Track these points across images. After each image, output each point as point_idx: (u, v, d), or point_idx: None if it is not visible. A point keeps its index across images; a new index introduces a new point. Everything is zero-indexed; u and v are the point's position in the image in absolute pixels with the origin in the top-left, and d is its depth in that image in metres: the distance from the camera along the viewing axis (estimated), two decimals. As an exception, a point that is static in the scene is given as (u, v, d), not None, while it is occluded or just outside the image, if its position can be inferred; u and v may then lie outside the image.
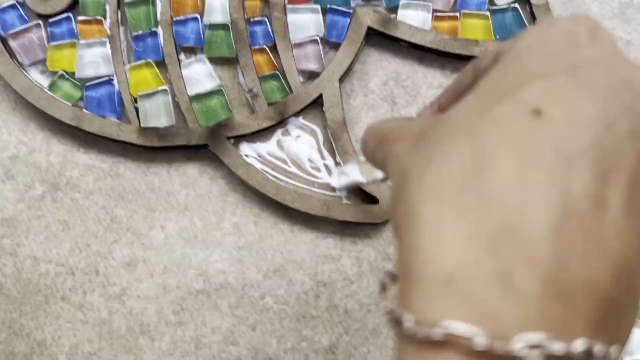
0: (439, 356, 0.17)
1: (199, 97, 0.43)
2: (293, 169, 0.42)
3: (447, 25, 0.44)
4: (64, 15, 0.44)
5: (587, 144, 0.18)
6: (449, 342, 0.17)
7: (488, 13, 0.44)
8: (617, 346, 0.17)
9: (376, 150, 0.25)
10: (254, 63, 0.43)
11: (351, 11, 0.44)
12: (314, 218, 0.42)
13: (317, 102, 0.43)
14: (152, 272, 0.41)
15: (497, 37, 0.44)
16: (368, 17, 0.43)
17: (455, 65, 0.44)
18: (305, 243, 0.42)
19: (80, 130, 0.42)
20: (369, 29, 0.43)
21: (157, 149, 0.42)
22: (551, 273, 0.17)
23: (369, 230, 0.42)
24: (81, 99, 0.43)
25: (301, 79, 0.43)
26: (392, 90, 0.44)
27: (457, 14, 0.44)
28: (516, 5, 0.43)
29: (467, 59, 0.44)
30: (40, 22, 0.44)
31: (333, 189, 0.42)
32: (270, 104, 0.43)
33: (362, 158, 0.39)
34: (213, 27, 0.44)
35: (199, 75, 0.43)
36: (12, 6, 0.44)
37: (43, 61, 0.43)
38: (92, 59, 0.43)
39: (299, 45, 0.44)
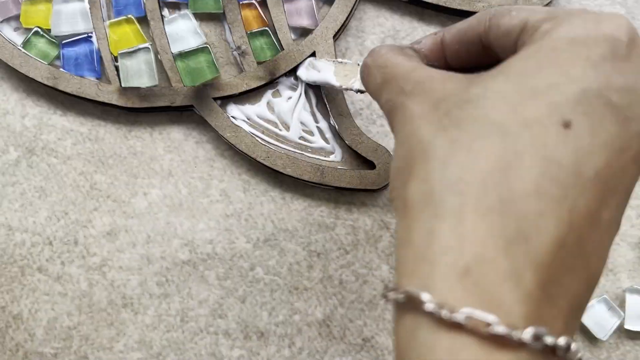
0: (457, 337, 0.18)
1: (184, 55, 0.40)
2: (284, 132, 0.40)
3: (448, -21, 0.41)
4: (38, -33, 0.41)
5: (601, 165, 0.19)
6: (466, 325, 0.18)
7: (492, -35, 0.41)
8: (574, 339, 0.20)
9: (382, 89, 0.24)
10: (242, 19, 0.41)
11: (346, -37, 0.41)
12: (307, 184, 0.39)
13: (310, 61, 0.40)
14: (134, 242, 0.39)
15: (502, -8, 0.41)
16: (364, -30, 0.41)
17: (456, 22, 0.41)
18: (298, 211, 0.39)
19: (57, 90, 0.40)
20: (365, -18, 0.41)
21: (139, 110, 0.40)
22: (548, 280, 0.19)
23: (365, 198, 0.40)
24: (58, 57, 0.40)
25: (293, 36, 0.41)
26: (390, 49, 0.41)
27: (460, -33, 0.41)
28: (522, -43, 0.40)
29: (468, 15, 0.41)
30: (13, -25, 0.41)
31: (327, 153, 0.39)
32: (259, 63, 0.40)
33: (340, 59, 0.37)
34: (198, -20, 0.41)
35: (184, 32, 0.40)
36: (-18, -42, 0.41)
37: (16, 17, 0.40)
38: (69, 14, 0.40)
39: (291, 0, 0.41)
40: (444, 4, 0.41)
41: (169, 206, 0.39)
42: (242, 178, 0.40)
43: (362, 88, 0.32)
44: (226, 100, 0.40)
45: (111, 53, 0.40)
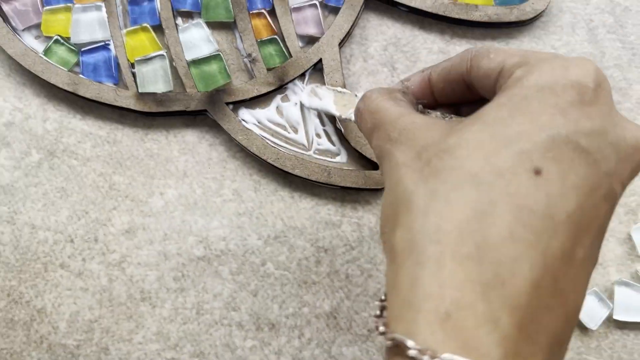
0: None
1: (197, 62, 0.42)
2: (293, 135, 0.42)
3: (447, -10, 0.43)
4: (58, -22, 0.43)
5: (572, 208, 0.20)
6: None
7: (488, -23, 0.43)
8: None
9: (372, 133, 0.26)
10: (253, 27, 0.43)
11: (351, -25, 0.43)
12: (315, 184, 0.42)
13: (317, 67, 0.43)
14: (152, 239, 0.41)
15: (497, 2, 0.43)
16: (368, -19, 0.43)
17: (454, 30, 0.44)
18: (306, 209, 0.42)
19: (77, 96, 0.42)
20: (369, -7, 0.43)
21: (155, 114, 0.42)
22: (526, 320, 0.20)
23: (369, 196, 0.42)
24: (77, 64, 0.42)
25: (300, 44, 0.43)
26: (392, 56, 0.44)
27: (458, -22, 0.43)
28: (517, -31, 0.43)
29: (467, 23, 0.43)
30: (34, -15, 0.43)
31: (334, 155, 0.42)
32: (269, 69, 0.42)
33: (340, 89, 0.39)
34: (210, -9, 0.43)
35: (197, 40, 0.42)
36: (4, -31, 0.43)
37: (37, 26, 0.43)
38: (88, 23, 0.42)
39: (298, 9, 0.43)
40: (442, 13, 0.43)
41: (184, 205, 0.42)
42: (253, 178, 0.42)
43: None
44: (238, 104, 0.42)
45: (128, 60, 0.42)
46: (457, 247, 0.20)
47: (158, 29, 0.43)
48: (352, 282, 0.41)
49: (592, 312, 0.40)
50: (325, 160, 0.42)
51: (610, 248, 0.41)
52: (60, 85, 0.41)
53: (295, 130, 0.42)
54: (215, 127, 0.42)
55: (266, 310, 0.40)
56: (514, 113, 0.21)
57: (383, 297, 0.24)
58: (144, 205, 0.42)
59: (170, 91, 0.42)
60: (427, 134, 0.23)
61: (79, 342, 0.40)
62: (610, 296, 0.40)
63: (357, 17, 0.43)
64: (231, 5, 0.43)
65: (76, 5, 0.42)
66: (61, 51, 0.42)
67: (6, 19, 0.42)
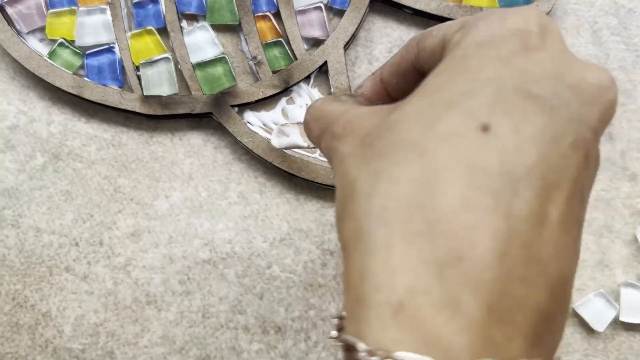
0: None
1: (202, 64, 0.42)
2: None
3: (452, -8, 0.44)
4: (62, -19, 0.43)
5: (533, 161, 0.18)
6: None
7: (493, -21, 0.43)
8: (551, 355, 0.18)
9: (320, 139, 0.24)
10: (258, 30, 0.43)
11: (355, -23, 0.43)
12: (320, 187, 0.41)
13: (322, 70, 0.43)
14: (157, 242, 0.41)
15: (502, 4, 0.43)
16: (373, -16, 0.43)
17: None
18: (311, 212, 0.42)
19: (82, 99, 0.42)
20: (374, -5, 0.43)
21: (160, 117, 0.42)
22: (495, 298, 0.17)
23: (375, 199, 0.42)
24: (82, 67, 0.42)
25: (305, 46, 0.43)
26: (397, 58, 0.44)
27: (462, -20, 0.43)
28: (521, -29, 0.43)
29: (472, 26, 0.43)
30: (38, -12, 0.43)
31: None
32: (274, 72, 0.42)
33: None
34: (215, -7, 0.43)
35: (202, 42, 0.42)
36: (9, -28, 0.43)
37: (42, 29, 0.42)
38: (93, 26, 0.42)
39: (303, 12, 0.43)
40: (447, 16, 0.43)
41: (190, 208, 0.41)
42: (258, 181, 0.42)
43: None
44: (243, 107, 0.42)
45: (133, 63, 0.42)
46: (405, 227, 0.17)
47: (163, 31, 0.43)
48: (358, 284, 0.41)
49: (598, 313, 0.40)
50: (330, 162, 0.42)
51: (616, 249, 0.41)
52: (65, 88, 0.41)
53: (301, 133, 0.42)
54: (220, 130, 0.42)
55: (272, 313, 0.40)
56: (453, 75, 0.19)
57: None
58: (149, 208, 0.41)
59: (175, 94, 0.42)
60: (370, 120, 0.21)
61: (84, 345, 0.40)
62: (617, 298, 0.40)
63: (362, 20, 0.43)
64: (236, 8, 0.43)
65: (81, 8, 0.42)
66: (66, 54, 0.42)
67: (10, 22, 0.42)
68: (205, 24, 0.43)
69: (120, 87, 0.42)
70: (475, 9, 0.43)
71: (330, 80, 0.42)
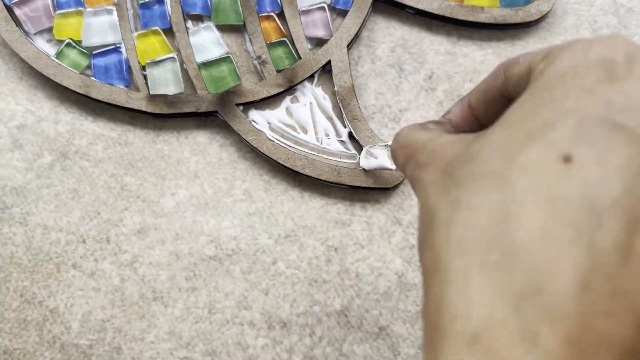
0: None
1: (208, 64, 0.43)
2: (302, 136, 0.43)
3: (453, -8, 0.44)
4: (70, -17, 0.44)
5: (618, 192, 0.17)
6: None
7: (494, -21, 0.44)
8: None
9: (406, 166, 0.24)
10: (262, 30, 0.44)
11: (358, -22, 0.44)
12: (324, 184, 0.42)
13: (326, 69, 0.43)
14: (163, 239, 0.42)
15: (502, 4, 0.44)
16: (375, -16, 0.44)
17: (461, 32, 0.45)
18: (316, 209, 0.42)
19: (89, 98, 0.42)
20: (376, -5, 0.44)
21: (166, 116, 0.42)
22: (576, 332, 0.16)
23: (379, 196, 0.42)
24: (89, 67, 0.43)
25: (309, 46, 0.44)
26: (400, 57, 0.44)
27: (463, -19, 0.44)
28: (521, -29, 0.44)
29: (473, 25, 0.44)
30: (46, -10, 0.43)
31: (343, 155, 0.42)
32: (278, 71, 0.43)
33: (389, 143, 0.39)
34: (220, -6, 0.44)
35: (207, 42, 0.43)
36: (17, -26, 0.43)
37: (49, 30, 0.43)
38: (99, 26, 0.43)
39: (307, 12, 0.44)
40: (449, 15, 0.44)
41: (196, 205, 0.42)
42: (263, 178, 0.43)
43: None
44: (248, 106, 0.43)
45: (139, 62, 0.43)
46: (483, 257, 0.17)
47: (169, 32, 0.43)
48: (363, 280, 0.41)
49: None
50: (334, 160, 0.42)
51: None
52: (72, 88, 0.42)
53: (305, 131, 0.43)
54: (225, 128, 0.43)
55: (277, 309, 0.41)
56: (536, 106, 0.19)
57: None
58: (156, 206, 0.42)
59: (181, 93, 0.42)
60: (453, 149, 0.21)
61: (92, 341, 0.40)
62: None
63: (364, 20, 0.44)
64: (241, 9, 0.43)
65: (87, 9, 0.43)
66: (73, 54, 0.43)
67: (19, 23, 0.43)
68: (210, 24, 0.43)
69: (126, 86, 0.43)
70: (476, 9, 0.43)
71: (334, 79, 0.43)
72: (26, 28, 0.43)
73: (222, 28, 0.44)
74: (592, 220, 0.17)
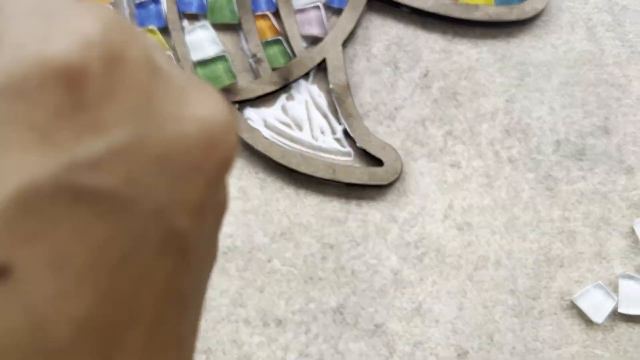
0: None
1: (203, 63, 0.43)
2: (297, 133, 0.43)
3: (448, -10, 0.44)
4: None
5: (84, 309, 0.11)
6: None
7: (488, -23, 0.44)
8: None
9: None
10: (257, 29, 0.44)
11: (353, -23, 0.44)
12: (320, 181, 0.42)
13: (321, 67, 0.43)
14: (159, 237, 0.42)
15: (497, 2, 0.44)
16: (370, -18, 0.44)
17: (456, 30, 0.45)
18: (311, 206, 0.42)
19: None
20: (371, -7, 0.44)
21: (162, 114, 0.43)
22: None
23: (374, 193, 0.42)
24: (85, 66, 0.43)
25: (304, 44, 0.44)
26: (395, 55, 0.44)
27: (458, -21, 0.44)
28: (516, -31, 0.44)
29: (468, 23, 0.44)
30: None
31: (338, 152, 0.42)
32: (274, 69, 0.43)
33: None
34: (216, -7, 0.44)
35: (203, 41, 0.43)
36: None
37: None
38: (96, 26, 0.43)
39: (302, 11, 0.44)
40: (444, 13, 0.44)
41: (191, 203, 0.42)
42: (258, 176, 0.43)
43: None
44: (243, 104, 0.43)
45: (135, 61, 0.43)
46: None
47: (164, 31, 0.44)
48: (358, 277, 0.41)
49: (597, 305, 0.41)
50: (330, 157, 0.42)
51: (614, 242, 0.42)
52: (69, 87, 0.42)
53: (300, 129, 0.43)
54: (221, 126, 0.43)
55: (273, 307, 0.41)
56: None
57: None
58: (151, 204, 0.42)
59: (176, 91, 0.42)
60: None
61: (87, 339, 0.40)
62: (615, 290, 0.41)
63: (359, 18, 0.44)
64: (236, 8, 0.44)
65: (84, 9, 0.43)
66: (69, 53, 0.43)
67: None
68: (206, 23, 0.44)
69: (122, 85, 0.43)
70: (470, 7, 0.44)
71: (329, 77, 0.43)
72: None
73: (218, 27, 0.44)
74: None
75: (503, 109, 0.43)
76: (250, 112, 0.43)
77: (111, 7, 0.43)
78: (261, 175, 0.43)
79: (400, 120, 0.43)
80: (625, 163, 0.43)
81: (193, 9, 0.44)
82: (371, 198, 0.42)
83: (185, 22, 0.44)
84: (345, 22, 0.44)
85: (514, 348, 0.40)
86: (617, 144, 0.43)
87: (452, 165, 0.43)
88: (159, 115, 0.12)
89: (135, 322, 0.12)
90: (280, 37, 0.44)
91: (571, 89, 0.44)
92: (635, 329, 0.40)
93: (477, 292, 0.41)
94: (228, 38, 0.44)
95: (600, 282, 0.41)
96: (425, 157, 0.43)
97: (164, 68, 0.13)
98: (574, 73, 0.44)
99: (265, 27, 0.44)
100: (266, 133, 0.42)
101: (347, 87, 0.43)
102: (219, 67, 0.43)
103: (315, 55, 0.43)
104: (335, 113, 0.43)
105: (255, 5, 0.44)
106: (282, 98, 0.43)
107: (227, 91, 0.42)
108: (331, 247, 0.42)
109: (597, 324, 0.40)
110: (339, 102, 0.42)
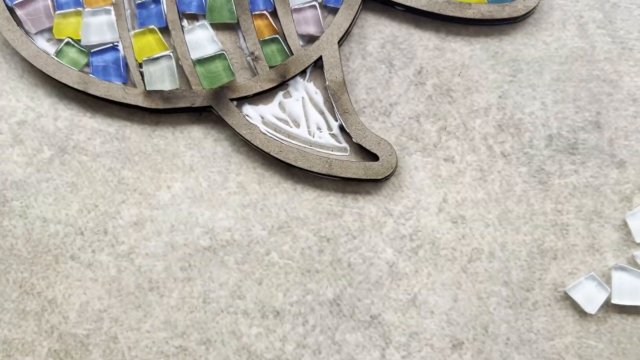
0: None
1: (202, 61, 0.44)
2: (295, 129, 0.44)
3: (441, -11, 0.45)
4: (69, -15, 0.45)
5: None
6: None
7: (481, -24, 0.45)
8: None
9: None
10: (255, 28, 0.45)
11: (348, -24, 0.45)
12: (316, 176, 0.43)
13: (317, 65, 0.44)
14: (159, 231, 0.42)
15: (489, 0, 0.45)
16: (365, -18, 0.45)
17: (449, 28, 0.46)
18: (308, 200, 0.43)
19: (87, 94, 0.43)
20: (366, -7, 0.45)
21: (162, 111, 0.44)
22: None
23: (370, 187, 0.43)
24: (87, 64, 0.44)
25: (301, 42, 0.45)
26: (389, 53, 0.45)
27: (451, -22, 0.45)
28: (508, -32, 0.45)
29: (461, 21, 0.45)
30: (46, -8, 0.45)
31: (334, 147, 0.43)
32: (271, 67, 0.44)
33: None
34: (214, -6, 0.45)
35: (202, 40, 0.44)
36: (18, -23, 0.45)
37: (49, 30, 0.44)
38: (98, 26, 0.44)
39: (298, 10, 0.45)
40: (437, 12, 0.45)
41: (191, 198, 0.43)
42: (257, 171, 0.44)
43: None
44: (241, 101, 0.44)
45: (136, 60, 0.44)
46: None
47: (164, 30, 0.45)
48: (354, 270, 0.42)
49: (590, 296, 0.41)
50: (326, 152, 0.43)
51: (606, 234, 0.42)
52: (71, 85, 0.43)
53: (297, 125, 0.44)
54: (220, 123, 0.44)
55: (271, 298, 0.42)
56: None
57: None
58: (152, 198, 0.43)
59: (176, 89, 0.43)
60: None
61: (89, 331, 0.41)
62: (608, 281, 0.41)
63: (355, 17, 0.45)
64: (234, 7, 0.45)
65: (86, 9, 0.44)
66: (72, 52, 0.44)
67: (20, 23, 0.44)
68: (205, 22, 0.45)
69: (124, 83, 0.44)
70: (463, 5, 0.45)
71: (325, 74, 0.44)
72: (27, 28, 0.44)
73: (217, 26, 0.45)
74: None
75: (496, 105, 0.44)
76: (248, 109, 0.44)
77: (112, 8, 0.45)
78: (259, 170, 0.44)
79: (395, 116, 0.44)
80: (617, 157, 0.43)
81: (192, 9, 0.45)
82: (367, 192, 0.43)
83: (185, 22, 0.45)
84: (341, 20, 0.45)
85: (508, 339, 0.41)
86: (609, 138, 0.44)
87: (446, 160, 0.43)
88: None
89: None
90: (277, 36, 0.45)
91: (563, 84, 0.44)
92: (628, 320, 0.41)
93: (471, 284, 0.42)
94: (227, 37, 0.45)
95: (593, 273, 0.41)
96: (420, 152, 0.44)
97: None
98: (566, 69, 0.45)
99: (262, 26, 0.45)
100: (264, 129, 0.43)
101: (343, 84, 0.44)
102: (218, 65, 0.44)
103: (311, 53, 0.44)
104: (331, 109, 0.44)
105: (253, 5, 0.45)
106: (280, 95, 0.44)
107: (226, 88, 0.43)
108: (328, 240, 0.42)
109: (590, 315, 0.41)
110: (335, 99, 0.43)
